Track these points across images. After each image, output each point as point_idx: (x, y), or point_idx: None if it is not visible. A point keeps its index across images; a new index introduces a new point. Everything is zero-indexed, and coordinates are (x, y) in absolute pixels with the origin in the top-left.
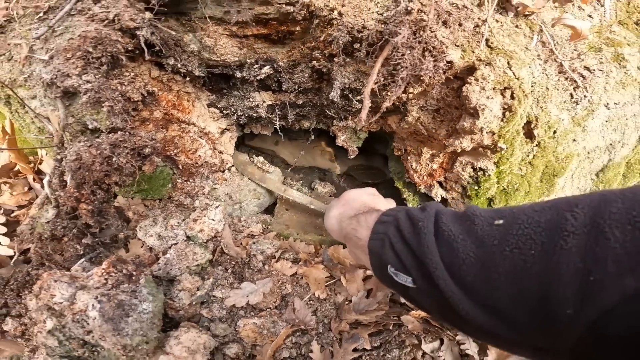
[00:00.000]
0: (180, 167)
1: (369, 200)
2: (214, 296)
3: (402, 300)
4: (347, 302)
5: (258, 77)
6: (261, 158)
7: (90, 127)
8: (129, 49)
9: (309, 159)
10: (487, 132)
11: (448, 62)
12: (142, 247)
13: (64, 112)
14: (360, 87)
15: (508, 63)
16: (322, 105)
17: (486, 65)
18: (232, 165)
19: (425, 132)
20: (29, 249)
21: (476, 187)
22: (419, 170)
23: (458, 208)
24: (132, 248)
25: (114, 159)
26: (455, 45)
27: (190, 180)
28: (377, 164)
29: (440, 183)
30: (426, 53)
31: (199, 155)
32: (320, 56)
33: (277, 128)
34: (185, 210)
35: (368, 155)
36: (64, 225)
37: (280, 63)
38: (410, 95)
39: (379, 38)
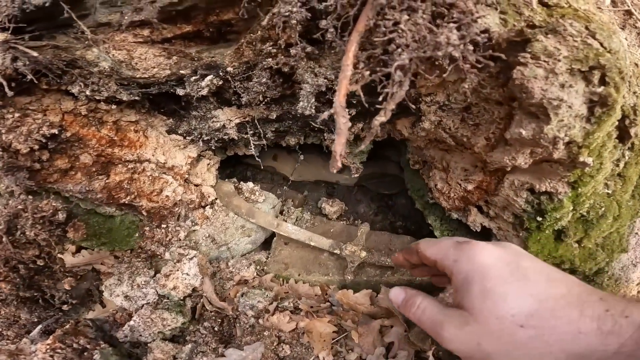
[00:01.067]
0: (145, 213)
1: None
2: None
3: None
4: None
5: (201, 93)
6: (250, 185)
7: None
8: None
9: (313, 171)
10: (564, 143)
11: (482, 31)
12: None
13: None
14: None
15: (587, 28)
16: (303, 116)
17: (547, 33)
18: (216, 198)
19: (453, 142)
20: None
21: (539, 219)
22: (446, 192)
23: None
24: (108, 304)
25: (17, 235)
26: (487, 6)
27: (162, 226)
28: (392, 170)
29: (479, 207)
30: (440, 20)
31: (167, 196)
32: (274, 50)
33: (253, 151)
34: (160, 262)
35: (380, 161)
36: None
37: (229, 69)
38: (423, 90)
39: (352, 3)
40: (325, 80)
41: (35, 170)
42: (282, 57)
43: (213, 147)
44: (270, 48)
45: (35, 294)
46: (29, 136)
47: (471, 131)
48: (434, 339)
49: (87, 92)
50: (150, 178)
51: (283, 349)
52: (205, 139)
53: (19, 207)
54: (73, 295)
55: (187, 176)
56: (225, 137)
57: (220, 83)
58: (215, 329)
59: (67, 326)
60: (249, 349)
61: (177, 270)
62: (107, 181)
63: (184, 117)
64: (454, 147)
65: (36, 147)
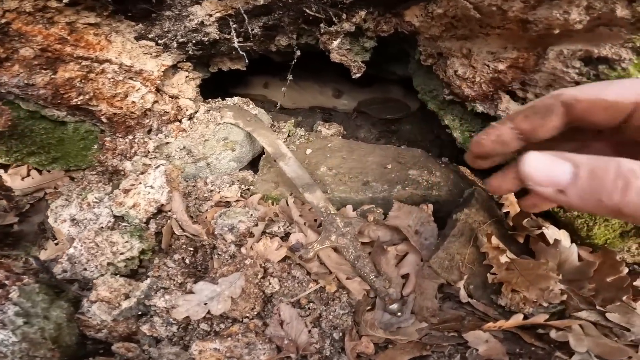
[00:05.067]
0: (105, 120)
1: None
2: (155, 306)
3: (465, 298)
4: (369, 303)
5: None
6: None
7: None
8: None
9: (308, 98)
10: None
11: None
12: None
13: None
14: None
15: None
16: (298, 2)
17: None
18: (195, 112)
19: (478, 14)
20: None
21: None
22: (470, 77)
23: None
24: (60, 239)
25: None
26: None
27: (129, 137)
28: (396, 95)
29: (511, 93)
30: None
31: (133, 102)
32: None
33: (244, 53)
34: (122, 179)
35: (383, 86)
36: None
37: None
38: None
39: None
40: None
41: None
42: None
43: (191, 52)
44: None
45: None
46: None
47: None
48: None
49: None
50: (112, 81)
51: (270, 283)
52: (181, 41)
53: None
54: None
55: (158, 82)
56: (205, 38)
57: None
58: (187, 261)
59: None
60: (225, 282)
61: (140, 183)
62: (53, 76)
63: (155, 20)
64: (477, 27)
65: None
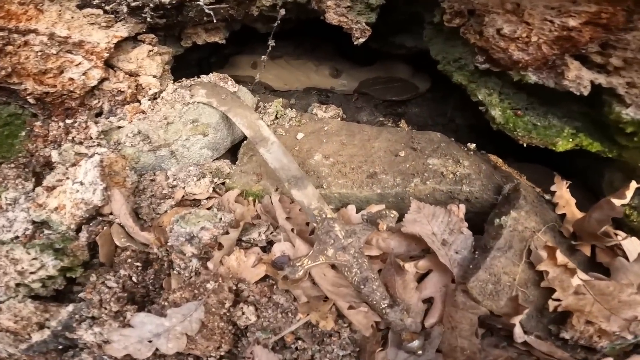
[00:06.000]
0: (33, 100)
1: None
2: (82, 341)
3: (521, 337)
4: (379, 340)
5: None
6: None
7: None
8: None
9: (302, 78)
10: None
11: None
12: None
13: None
14: None
15: None
16: None
17: None
18: (161, 91)
19: None
20: None
21: None
22: (522, 36)
23: None
24: None
25: None
26: None
27: (67, 120)
28: (403, 74)
29: (582, 58)
30: None
31: (71, 79)
32: None
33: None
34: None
35: (388, 63)
36: None
37: None
38: None
39: None
40: None
41: None
42: None
43: (150, 20)
44: None
45: None
46: None
47: None
48: None
49: None
50: (41, 54)
51: (244, 312)
52: (133, 5)
53: None
54: None
55: (107, 56)
56: (166, 0)
57: None
58: (134, 279)
59: None
60: (176, 314)
61: (68, 178)
62: None
63: None
64: None
65: None
